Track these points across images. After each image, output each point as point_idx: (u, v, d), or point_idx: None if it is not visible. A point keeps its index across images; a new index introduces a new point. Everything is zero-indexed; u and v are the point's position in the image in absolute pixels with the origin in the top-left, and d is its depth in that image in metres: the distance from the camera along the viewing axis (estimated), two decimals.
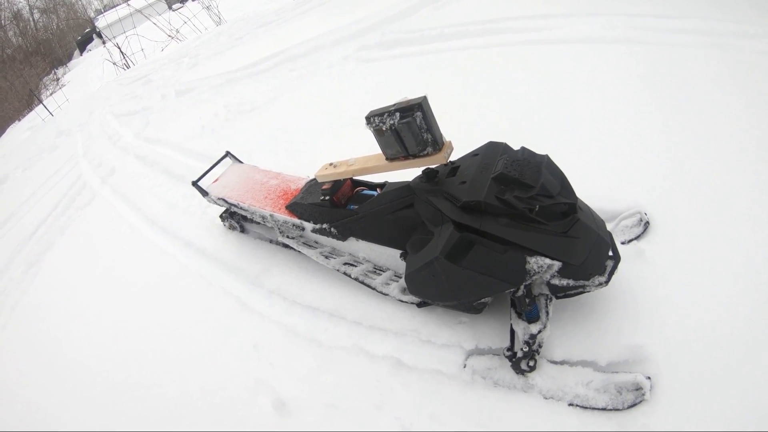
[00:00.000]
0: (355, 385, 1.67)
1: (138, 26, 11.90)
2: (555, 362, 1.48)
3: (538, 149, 1.48)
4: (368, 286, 1.89)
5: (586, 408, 1.34)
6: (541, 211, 1.27)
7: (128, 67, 10.70)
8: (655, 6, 3.07)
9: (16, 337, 2.76)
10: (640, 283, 1.57)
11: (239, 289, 2.26)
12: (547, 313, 1.45)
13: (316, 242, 2.18)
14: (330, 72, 4.23)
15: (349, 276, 1.94)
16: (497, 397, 1.47)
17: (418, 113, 1.37)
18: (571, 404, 1.37)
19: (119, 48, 11.01)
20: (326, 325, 1.93)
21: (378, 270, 1.97)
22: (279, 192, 2.24)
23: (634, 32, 2.90)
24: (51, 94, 13.49)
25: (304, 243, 2.17)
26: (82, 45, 21.90)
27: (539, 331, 1.41)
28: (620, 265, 1.41)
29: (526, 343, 1.41)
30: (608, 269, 1.37)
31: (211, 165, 2.58)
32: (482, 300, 1.48)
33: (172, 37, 10.32)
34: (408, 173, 1.61)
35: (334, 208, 1.87)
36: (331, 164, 1.84)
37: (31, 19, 22.69)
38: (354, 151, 1.90)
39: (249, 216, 2.31)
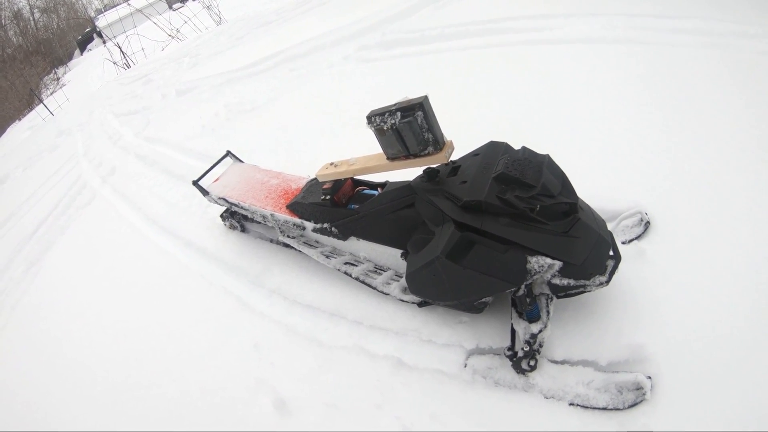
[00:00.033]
0: (356, 385, 1.67)
1: (138, 26, 11.91)
2: (556, 362, 1.48)
3: (539, 149, 1.48)
4: (369, 285, 1.89)
5: (587, 408, 1.34)
6: (542, 210, 1.27)
7: (129, 66, 10.70)
8: (655, 6, 3.07)
9: (17, 336, 2.76)
10: (641, 282, 1.57)
11: (240, 289, 2.26)
12: (548, 312, 1.45)
13: (317, 242, 2.19)
14: (330, 72, 4.23)
15: (350, 275, 1.94)
16: (498, 397, 1.47)
17: (419, 113, 1.37)
18: (571, 404, 1.37)
19: (119, 47, 11.01)
20: (327, 325, 1.93)
21: (379, 269, 1.97)
22: (280, 191, 2.24)
23: (634, 32, 2.90)
24: (51, 94, 13.50)
25: (304, 242, 2.17)
26: (83, 44, 21.90)
27: (540, 331, 1.41)
28: (621, 265, 1.41)
29: (527, 342, 1.41)
30: (609, 269, 1.37)
31: (211, 164, 2.58)
32: (483, 299, 1.48)
33: (173, 37, 10.32)
34: (409, 173, 1.61)
35: (335, 208, 1.87)
36: (331, 164, 1.84)
37: (31, 18, 22.70)
38: (354, 150, 1.90)
39: (250, 215, 2.31)
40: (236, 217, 2.55)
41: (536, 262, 1.26)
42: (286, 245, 2.31)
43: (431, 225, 1.49)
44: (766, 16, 2.66)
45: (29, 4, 22.42)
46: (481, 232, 1.32)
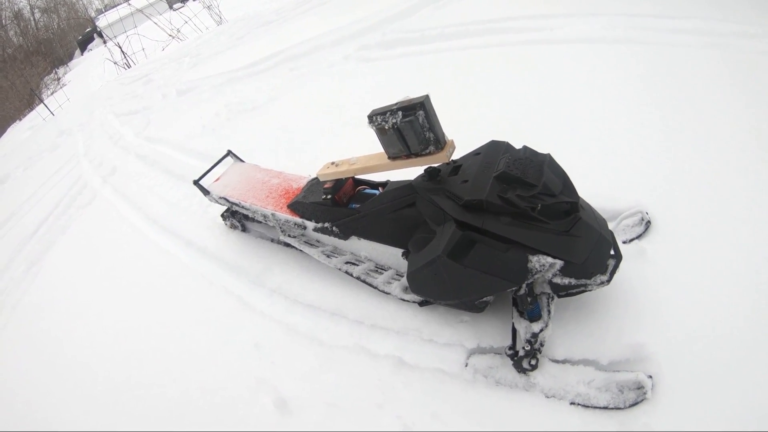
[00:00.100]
0: (357, 384, 1.67)
1: (139, 26, 11.92)
2: (557, 361, 1.48)
3: (540, 148, 1.48)
4: (370, 285, 1.89)
5: (588, 407, 1.35)
6: (543, 209, 1.27)
7: (129, 66, 10.70)
8: (655, 6, 3.07)
9: (17, 336, 2.76)
10: (642, 282, 1.57)
11: (240, 288, 2.26)
12: (549, 311, 1.45)
13: (318, 241, 2.19)
14: (331, 71, 4.23)
15: (351, 275, 1.94)
16: (499, 396, 1.47)
17: (421, 112, 1.37)
18: (572, 403, 1.37)
19: (120, 47, 11.01)
20: (328, 324, 1.93)
21: (380, 269, 1.97)
22: (280, 191, 2.24)
23: (634, 32, 2.90)
24: (52, 94, 13.49)
25: (305, 242, 2.18)
26: (83, 44, 21.89)
27: (541, 330, 1.41)
28: (622, 264, 1.41)
29: (528, 341, 1.41)
30: (610, 268, 1.37)
31: (212, 164, 2.58)
32: (484, 299, 1.48)
33: (173, 37, 10.32)
34: (410, 172, 1.61)
35: (336, 207, 1.87)
36: (332, 163, 1.84)
37: (32, 18, 22.70)
38: (355, 150, 1.91)
39: (250, 215, 2.31)
40: (237, 217, 2.55)
41: (537, 261, 1.26)
42: (287, 245, 2.32)
43: (432, 224, 1.49)
44: (766, 16, 2.66)
45: (30, 4, 22.44)
46: (483, 232, 1.32)
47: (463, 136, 1.79)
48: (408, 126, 1.39)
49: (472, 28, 3.72)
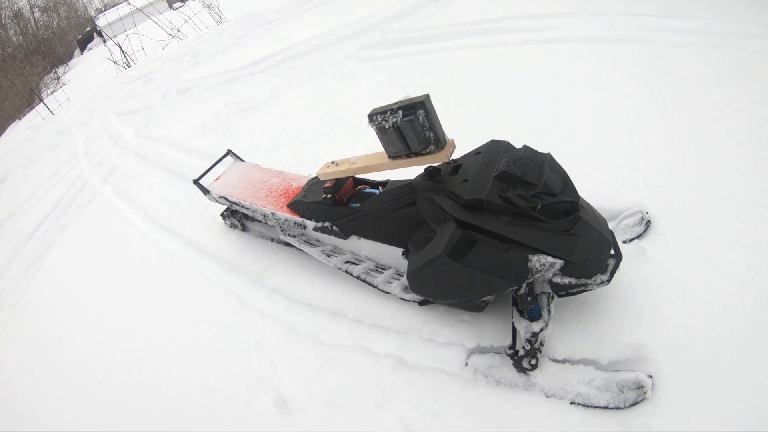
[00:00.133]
0: (357, 384, 1.67)
1: (139, 25, 11.92)
2: (557, 361, 1.48)
3: (540, 148, 1.48)
4: (370, 284, 1.89)
5: (588, 406, 1.35)
6: (544, 209, 1.27)
7: (129, 65, 10.70)
8: (655, 6, 3.07)
9: (17, 335, 2.76)
10: (642, 281, 1.57)
11: (240, 288, 2.26)
12: (549, 311, 1.45)
13: (318, 240, 2.19)
14: (331, 71, 4.23)
15: (351, 274, 1.94)
16: (499, 396, 1.47)
17: (421, 111, 1.37)
18: (572, 403, 1.37)
19: (120, 47, 11.00)
20: (328, 324, 1.93)
21: (380, 268, 1.97)
22: (280, 190, 2.24)
23: (635, 32, 2.90)
24: (52, 93, 13.50)
25: (305, 241, 2.17)
26: (83, 44, 21.88)
27: (541, 330, 1.41)
28: (622, 264, 1.41)
29: (528, 341, 1.41)
30: (610, 268, 1.37)
31: (212, 163, 2.58)
32: (484, 298, 1.48)
33: (173, 36, 10.31)
34: (410, 171, 1.61)
35: (336, 207, 1.87)
36: (333, 162, 1.84)
37: (31, 17, 22.69)
38: (356, 149, 1.91)
39: (250, 214, 2.31)
40: (237, 216, 2.55)
41: (537, 260, 1.26)
42: (287, 244, 2.32)
43: (432, 223, 1.49)
44: (766, 16, 2.66)
45: (30, 4, 22.43)
46: (483, 231, 1.32)
47: (464, 136, 1.79)
48: (408, 125, 1.39)
49: (473, 28, 3.72)
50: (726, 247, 1.60)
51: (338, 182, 1.88)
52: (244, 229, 2.57)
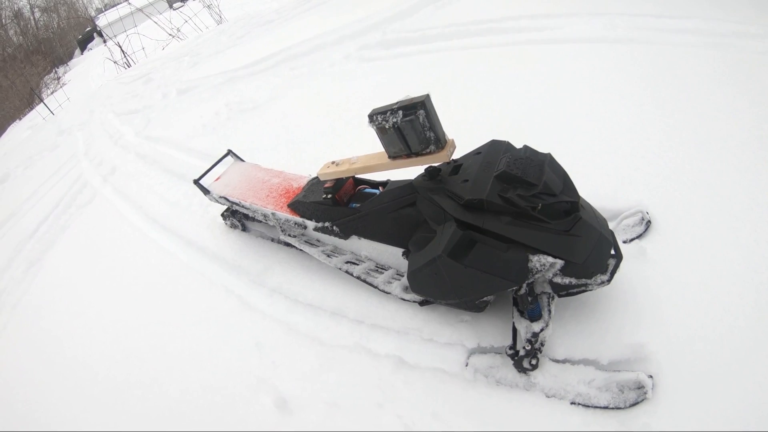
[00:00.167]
0: (357, 384, 1.67)
1: (139, 25, 11.92)
2: (557, 361, 1.48)
3: (540, 148, 1.48)
4: (370, 284, 1.89)
5: (588, 407, 1.35)
6: (544, 209, 1.27)
7: (129, 65, 10.70)
8: (655, 6, 3.07)
9: (17, 336, 2.76)
10: (642, 281, 1.57)
11: (241, 288, 2.26)
12: (550, 311, 1.45)
13: (318, 241, 2.19)
14: (331, 71, 4.23)
15: (351, 274, 1.94)
16: (499, 396, 1.48)
17: (421, 111, 1.37)
18: (573, 403, 1.37)
19: (120, 47, 11.00)
20: (328, 324, 1.93)
21: (380, 268, 1.97)
22: (281, 190, 2.24)
23: (635, 32, 2.90)
24: (52, 93, 13.50)
25: (305, 241, 2.17)
26: (83, 44, 21.89)
27: (541, 330, 1.41)
28: (622, 264, 1.41)
29: (529, 341, 1.41)
30: (610, 268, 1.37)
31: (212, 163, 2.58)
32: (484, 298, 1.48)
33: (173, 36, 10.31)
34: (410, 171, 1.61)
35: (337, 207, 1.87)
36: (333, 162, 1.84)
37: (32, 17, 22.70)
38: (356, 149, 1.91)
39: (251, 214, 2.31)
40: (237, 216, 2.55)
41: (538, 260, 1.26)
42: (288, 244, 2.32)
43: (433, 224, 1.49)
44: (766, 16, 2.66)
45: (30, 4, 22.44)
46: (483, 231, 1.32)
47: (464, 136, 1.80)
48: (408, 125, 1.40)
49: (473, 28, 3.72)
50: (726, 247, 1.60)
51: (338, 182, 1.88)
52: (244, 229, 2.57)
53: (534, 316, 1.43)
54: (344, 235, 1.92)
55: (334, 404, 1.64)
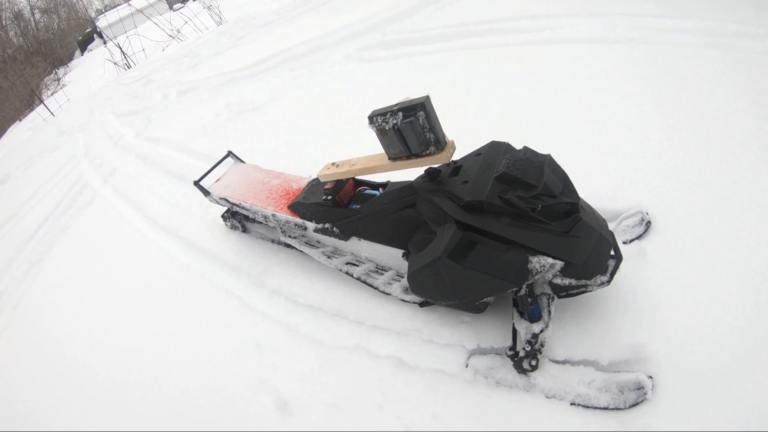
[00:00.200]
0: (357, 385, 1.67)
1: (139, 26, 11.92)
2: (557, 362, 1.48)
3: (540, 149, 1.48)
4: (370, 285, 1.89)
5: (588, 407, 1.35)
6: (544, 210, 1.27)
7: (129, 67, 10.71)
8: (655, 6, 3.07)
9: (18, 336, 2.76)
10: (642, 282, 1.57)
11: (241, 289, 2.27)
12: (549, 312, 1.45)
13: (318, 242, 2.19)
14: (331, 72, 4.23)
15: (352, 276, 1.94)
16: (499, 397, 1.48)
17: (421, 113, 1.38)
18: (573, 403, 1.37)
19: (120, 48, 11.01)
20: (328, 325, 1.93)
21: (380, 269, 1.97)
22: (281, 192, 2.24)
23: (635, 32, 2.90)
24: (52, 94, 13.51)
25: (306, 243, 2.18)
26: (83, 45, 21.90)
27: (541, 331, 1.41)
28: (622, 265, 1.41)
29: (528, 342, 1.41)
30: (610, 269, 1.37)
31: (212, 165, 2.58)
32: (484, 299, 1.48)
33: (173, 37, 10.32)
34: (410, 173, 1.61)
35: (337, 208, 1.87)
36: (333, 164, 1.84)
37: (32, 19, 22.72)
38: (356, 150, 1.91)
39: (251, 216, 2.31)
40: (237, 218, 2.55)
41: (538, 261, 1.27)
42: (288, 245, 2.32)
43: (433, 225, 1.49)
44: (766, 16, 2.66)
45: (30, 5, 22.46)
46: (483, 232, 1.32)
47: (464, 137, 1.80)
48: (408, 127, 1.40)
49: (473, 29, 3.73)
50: (726, 247, 1.60)
51: (338, 184, 1.88)
52: (244, 230, 2.57)
53: (534, 317, 1.43)
54: (344, 236, 1.92)
55: (334, 405, 1.65)
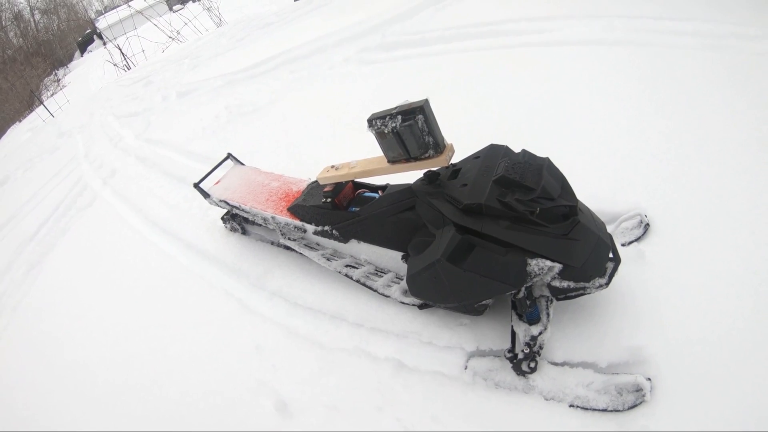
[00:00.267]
0: (357, 387, 1.68)
1: (138, 27, 11.93)
2: (556, 364, 1.48)
3: (539, 151, 1.49)
4: (370, 288, 1.90)
5: (587, 409, 1.35)
6: (542, 213, 1.27)
7: (129, 68, 10.72)
8: (654, 8, 3.08)
9: (18, 338, 2.77)
10: (641, 284, 1.57)
11: (241, 291, 2.27)
12: (548, 314, 1.45)
13: (318, 244, 2.19)
14: (331, 74, 4.24)
15: (351, 278, 1.95)
16: (498, 399, 1.48)
17: (420, 116, 1.38)
18: (571, 405, 1.37)
19: (120, 49, 11.03)
20: (328, 327, 1.93)
21: (379, 272, 1.98)
22: (280, 194, 2.25)
23: (633, 34, 2.91)
24: (52, 95, 13.52)
25: (305, 245, 2.18)
26: (83, 46, 21.92)
27: (540, 333, 1.42)
28: (620, 267, 1.42)
29: (527, 344, 1.41)
30: (608, 271, 1.37)
31: (212, 167, 2.58)
32: (483, 302, 1.48)
33: (173, 39, 10.33)
34: (410, 176, 1.62)
35: (336, 211, 1.88)
36: (332, 166, 1.85)
37: (31, 20, 22.73)
38: (355, 153, 1.92)
39: (250, 218, 2.32)
40: (237, 220, 2.56)
41: (536, 264, 1.27)
42: (287, 248, 2.32)
43: (432, 228, 1.50)
44: (765, 18, 2.66)
45: (30, 6, 22.47)
46: (482, 235, 1.32)
47: (463, 139, 1.80)
48: (407, 130, 1.40)
49: (472, 31, 3.73)
50: (725, 249, 1.60)
51: (338, 186, 1.89)
52: (244, 232, 2.57)
53: (532, 319, 1.44)
54: (344, 238, 1.93)
55: (333, 407, 1.65)
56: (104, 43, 15.87)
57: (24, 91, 14.74)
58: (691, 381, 1.32)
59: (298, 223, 2.06)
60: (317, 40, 5.00)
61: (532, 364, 1.42)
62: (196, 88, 5.55)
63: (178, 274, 2.57)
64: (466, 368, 1.57)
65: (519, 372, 1.45)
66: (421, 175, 1.57)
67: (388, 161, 1.56)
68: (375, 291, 1.88)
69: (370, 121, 1.47)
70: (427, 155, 1.46)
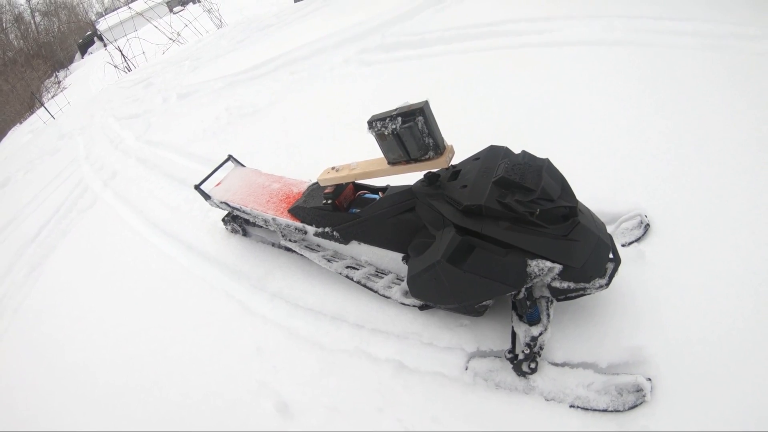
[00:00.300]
0: (358, 388, 1.68)
1: (139, 29, 11.98)
2: (556, 364, 1.49)
3: (539, 152, 1.49)
4: (370, 289, 1.90)
5: (587, 409, 1.35)
6: (542, 214, 1.28)
7: (129, 70, 10.74)
8: (654, 8, 3.08)
9: (18, 340, 2.77)
10: (641, 285, 1.57)
11: (242, 293, 2.27)
12: (548, 315, 1.45)
13: (319, 246, 2.20)
14: (331, 75, 4.24)
15: (352, 279, 1.95)
16: (499, 399, 1.48)
17: (420, 118, 1.38)
18: (572, 406, 1.37)
19: (120, 51, 11.04)
20: (329, 328, 1.93)
21: (380, 273, 1.98)
22: (281, 196, 2.25)
23: (633, 34, 2.91)
24: (52, 97, 13.55)
25: (306, 246, 2.18)
26: (84, 48, 21.97)
27: (540, 334, 1.42)
28: (621, 268, 1.42)
29: (528, 345, 1.41)
30: (609, 272, 1.37)
31: (213, 168, 2.58)
32: (484, 303, 1.49)
33: (173, 40, 10.35)
34: (410, 177, 1.62)
35: (337, 212, 1.88)
36: (333, 168, 1.85)
37: (32, 21, 22.78)
38: (356, 154, 1.92)
39: (251, 219, 2.32)
40: (238, 221, 2.56)
41: (536, 265, 1.27)
42: (288, 249, 2.32)
43: (432, 229, 1.50)
44: (765, 18, 2.67)
45: (30, 8, 22.51)
46: (482, 236, 1.32)
47: (463, 140, 1.80)
48: (407, 132, 1.40)
49: (472, 31, 3.74)
50: (725, 249, 1.60)
51: (338, 188, 1.89)
52: (245, 234, 2.57)
53: (533, 320, 1.44)
54: (344, 240, 1.93)
55: (334, 408, 1.65)
56: (105, 45, 15.89)
57: (25, 93, 14.76)
58: (691, 381, 1.32)
59: (298, 224, 2.06)
60: (317, 42, 5.01)
61: (533, 365, 1.43)
62: (196, 89, 5.56)
63: (179, 276, 2.58)
64: (466, 369, 1.57)
65: (519, 373, 1.45)
66: (421, 177, 1.57)
67: (389, 163, 1.56)
68: (375, 292, 1.88)
69: (371, 123, 1.48)
70: (427, 157, 1.46)
